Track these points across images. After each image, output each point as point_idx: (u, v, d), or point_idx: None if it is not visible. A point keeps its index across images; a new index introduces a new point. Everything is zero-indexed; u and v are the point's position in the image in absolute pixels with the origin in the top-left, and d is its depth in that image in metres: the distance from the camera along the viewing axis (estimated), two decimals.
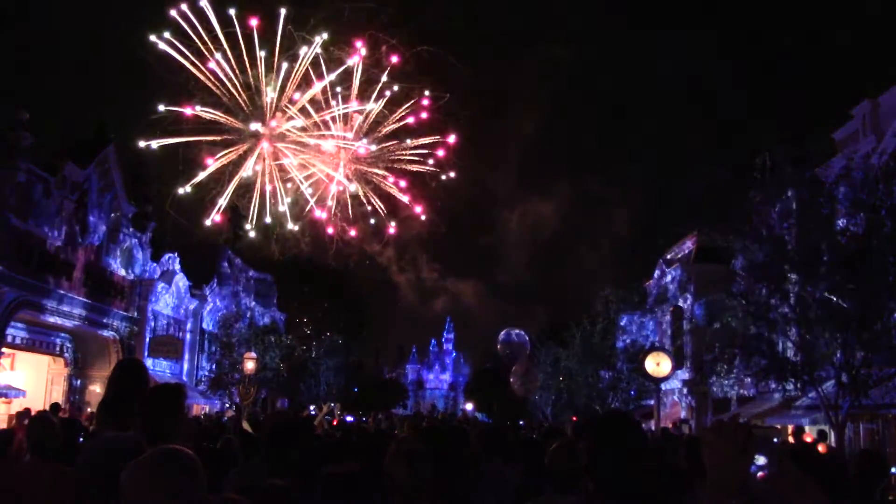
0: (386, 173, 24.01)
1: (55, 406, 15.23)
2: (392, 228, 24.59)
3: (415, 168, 23.89)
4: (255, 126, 21.39)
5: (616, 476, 2.46)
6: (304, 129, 22.31)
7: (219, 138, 21.41)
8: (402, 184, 24.25)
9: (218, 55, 20.47)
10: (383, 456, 3.22)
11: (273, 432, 3.86)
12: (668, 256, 36.36)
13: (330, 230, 23.93)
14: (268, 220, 22.62)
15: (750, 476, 1.68)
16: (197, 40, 20.33)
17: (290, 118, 21.95)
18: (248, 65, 21.07)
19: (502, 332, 21.06)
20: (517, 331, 21.32)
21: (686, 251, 34.53)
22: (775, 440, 1.74)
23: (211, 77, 20.82)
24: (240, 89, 21.06)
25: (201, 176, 21.25)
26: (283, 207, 22.85)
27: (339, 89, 22.33)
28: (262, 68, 21.01)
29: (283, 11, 20.31)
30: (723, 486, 1.67)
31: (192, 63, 20.55)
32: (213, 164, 21.31)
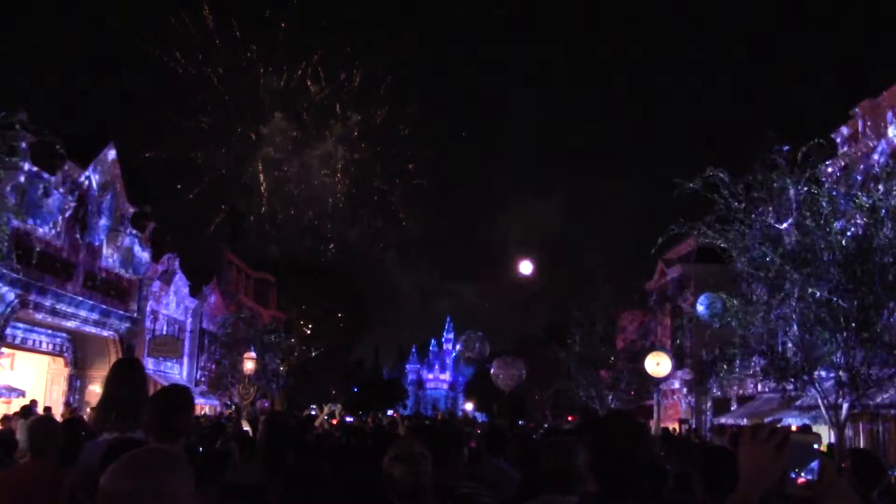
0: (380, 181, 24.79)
1: (26, 410, 14.37)
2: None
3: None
4: (253, 129, 21.91)
5: (618, 476, 2.46)
6: (300, 132, 22.78)
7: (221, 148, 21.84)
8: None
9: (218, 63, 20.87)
10: (382, 456, 3.22)
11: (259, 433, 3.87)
12: (668, 256, 36.34)
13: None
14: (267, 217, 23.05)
15: (788, 482, 1.70)
16: (198, 44, 20.52)
17: (288, 121, 22.44)
18: (246, 69, 21.48)
19: (459, 342, 21.14)
20: (476, 333, 21.27)
21: (686, 251, 34.50)
22: (815, 446, 1.73)
23: (210, 80, 21.00)
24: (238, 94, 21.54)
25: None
26: (278, 207, 23.30)
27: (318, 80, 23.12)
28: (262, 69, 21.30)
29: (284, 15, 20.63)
30: (755, 489, 1.69)
31: (193, 69, 20.74)
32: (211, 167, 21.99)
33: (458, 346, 19.67)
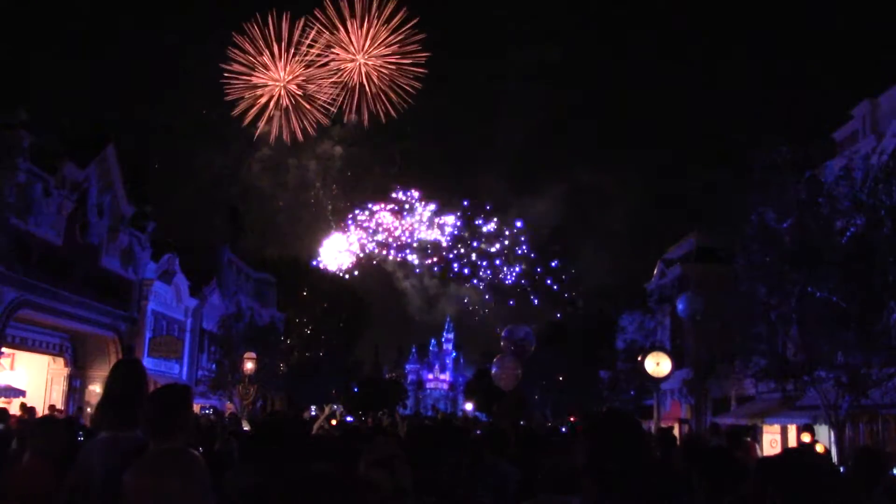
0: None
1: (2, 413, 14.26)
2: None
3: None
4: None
5: (616, 476, 2.46)
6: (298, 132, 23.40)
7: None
8: None
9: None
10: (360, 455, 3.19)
11: (259, 432, 3.86)
12: (668, 256, 36.37)
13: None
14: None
15: None
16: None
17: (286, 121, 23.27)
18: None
19: (506, 329, 20.56)
20: (523, 326, 20.90)
21: (686, 251, 34.54)
22: None
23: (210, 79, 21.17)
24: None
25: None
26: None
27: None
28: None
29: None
30: None
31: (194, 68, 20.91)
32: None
33: (503, 335, 19.32)
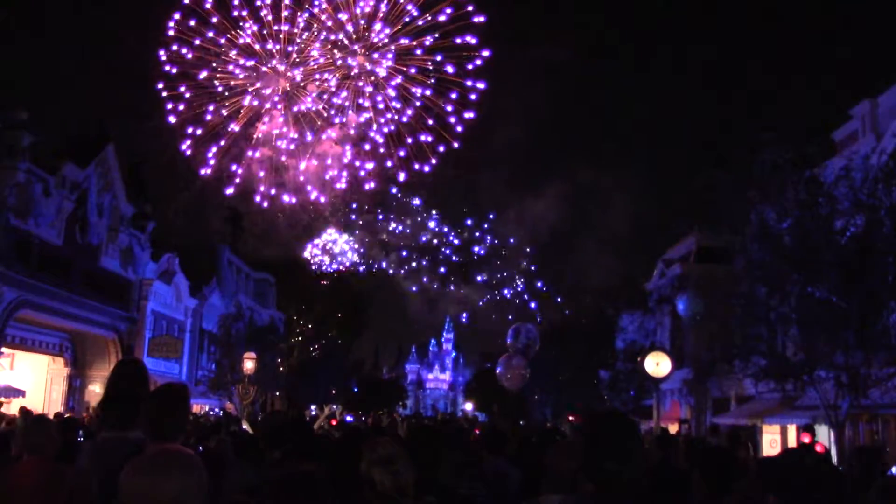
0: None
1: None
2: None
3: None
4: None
5: (616, 476, 2.46)
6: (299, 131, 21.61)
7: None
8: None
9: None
10: (356, 455, 3.17)
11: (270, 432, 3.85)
12: (668, 256, 36.35)
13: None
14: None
15: None
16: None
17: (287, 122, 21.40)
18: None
19: (511, 328, 20.06)
20: (527, 325, 20.59)
21: (686, 251, 34.51)
22: None
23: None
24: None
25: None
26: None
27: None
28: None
29: None
30: None
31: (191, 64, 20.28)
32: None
33: (508, 339, 18.75)
